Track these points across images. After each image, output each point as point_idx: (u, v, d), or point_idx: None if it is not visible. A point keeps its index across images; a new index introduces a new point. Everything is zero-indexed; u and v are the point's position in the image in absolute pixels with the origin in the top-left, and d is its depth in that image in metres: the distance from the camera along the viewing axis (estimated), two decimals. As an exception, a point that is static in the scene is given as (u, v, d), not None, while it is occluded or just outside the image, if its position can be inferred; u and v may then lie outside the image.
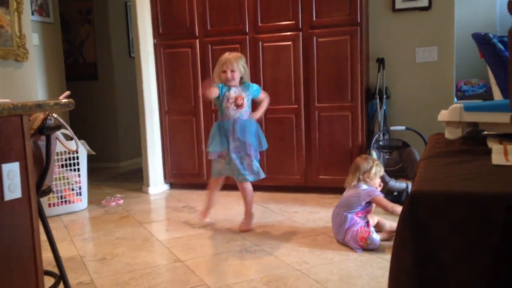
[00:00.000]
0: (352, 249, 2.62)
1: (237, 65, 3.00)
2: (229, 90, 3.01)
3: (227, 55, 3.04)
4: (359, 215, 2.73)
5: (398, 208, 2.68)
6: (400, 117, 4.02)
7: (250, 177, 3.07)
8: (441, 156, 1.24)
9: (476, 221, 0.87)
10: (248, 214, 3.11)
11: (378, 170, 2.81)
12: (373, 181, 2.80)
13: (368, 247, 2.60)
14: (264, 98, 3.18)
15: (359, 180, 2.79)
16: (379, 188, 2.83)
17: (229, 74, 2.98)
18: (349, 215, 2.71)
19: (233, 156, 3.01)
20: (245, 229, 3.05)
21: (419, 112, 3.94)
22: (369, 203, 2.74)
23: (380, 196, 2.71)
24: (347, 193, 2.82)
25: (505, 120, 1.22)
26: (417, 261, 0.90)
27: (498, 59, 1.66)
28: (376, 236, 2.62)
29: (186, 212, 3.54)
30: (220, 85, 3.03)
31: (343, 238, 2.70)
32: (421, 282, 0.90)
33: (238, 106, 3.01)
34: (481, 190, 0.91)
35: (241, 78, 3.04)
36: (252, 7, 3.87)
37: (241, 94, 3.02)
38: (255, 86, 3.13)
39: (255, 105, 3.16)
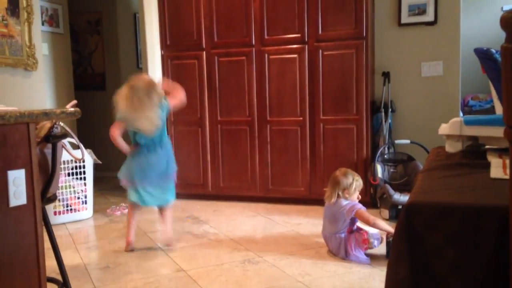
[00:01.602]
0: (356, 262, 2.61)
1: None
2: None
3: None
4: (349, 230, 2.73)
5: (379, 222, 2.67)
6: (405, 131, 4.03)
7: None
8: (440, 169, 1.25)
9: (470, 232, 0.88)
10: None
11: (358, 185, 2.77)
12: (353, 196, 2.76)
13: (373, 245, 2.62)
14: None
15: (338, 196, 2.76)
16: (358, 200, 2.79)
17: None
18: (342, 235, 2.70)
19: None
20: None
21: (424, 126, 3.94)
22: (354, 217, 2.73)
23: (362, 210, 2.69)
24: (328, 211, 2.79)
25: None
26: (412, 271, 0.91)
27: (500, 74, 1.67)
28: (374, 230, 2.64)
29: (190, 222, 3.56)
30: None
31: (344, 255, 2.68)
32: (416, 292, 0.91)
33: None
34: (476, 202, 0.92)
35: None
36: (258, 20, 3.91)
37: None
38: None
39: None
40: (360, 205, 2.72)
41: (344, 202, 2.73)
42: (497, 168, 1.19)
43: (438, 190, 1.03)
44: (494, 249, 0.87)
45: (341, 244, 2.69)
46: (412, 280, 0.92)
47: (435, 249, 0.90)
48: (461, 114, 4.10)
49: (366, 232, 2.67)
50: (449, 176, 1.15)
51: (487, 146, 1.53)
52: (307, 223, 3.44)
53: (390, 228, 2.61)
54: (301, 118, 3.88)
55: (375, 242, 2.63)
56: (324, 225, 2.84)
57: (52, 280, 2.02)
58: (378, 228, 2.68)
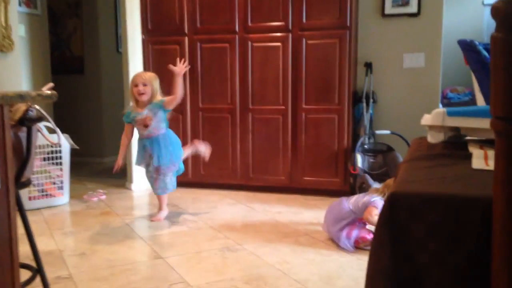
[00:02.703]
0: (334, 249, 2.63)
1: (149, 80, 3.11)
2: (136, 115, 3.15)
3: (139, 72, 3.30)
4: (360, 220, 2.72)
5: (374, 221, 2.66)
6: (385, 122, 4.05)
7: (158, 191, 3.31)
8: (422, 159, 1.25)
9: (452, 223, 0.88)
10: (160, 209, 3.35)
11: None
12: None
13: (364, 247, 2.63)
14: (173, 99, 3.14)
15: (381, 193, 2.71)
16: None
17: (140, 87, 3.09)
18: (353, 216, 2.69)
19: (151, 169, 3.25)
20: (157, 219, 3.27)
21: (404, 117, 3.97)
22: None
23: (376, 207, 2.60)
24: (362, 197, 2.76)
25: (486, 126, 1.23)
26: (394, 261, 0.91)
27: (482, 66, 1.68)
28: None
29: (169, 210, 3.52)
30: (128, 112, 3.22)
31: (336, 231, 2.67)
32: (397, 282, 0.91)
33: (146, 126, 3.15)
34: (459, 192, 0.92)
35: (151, 97, 3.14)
36: (242, 7, 3.86)
37: (148, 115, 3.12)
38: (160, 100, 3.16)
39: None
40: (380, 205, 2.62)
41: (374, 198, 2.68)
42: (478, 159, 1.19)
43: (421, 180, 1.02)
44: (476, 240, 0.87)
45: (344, 220, 2.68)
46: (394, 269, 0.91)
47: (417, 239, 0.90)
48: (440, 106, 4.14)
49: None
50: (431, 166, 1.15)
51: (467, 137, 1.54)
52: (287, 211, 3.44)
53: None
54: (283, 107, 3.86)
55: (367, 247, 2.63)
56: (350, 199, 2.79)
57: (25, 266, 1.97)
58: (371, 224, 2.66)
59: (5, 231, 1.36)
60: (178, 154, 3.27)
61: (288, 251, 2.64)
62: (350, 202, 2.74)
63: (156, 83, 3.17)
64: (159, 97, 3.17)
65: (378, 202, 2.65)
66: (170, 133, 3.27)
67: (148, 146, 3.19)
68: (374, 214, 2.60)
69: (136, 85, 3.11)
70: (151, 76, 3.16)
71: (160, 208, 3.34)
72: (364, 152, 3.84)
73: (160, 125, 3.17)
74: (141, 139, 3.24)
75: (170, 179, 3.27)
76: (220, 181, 4.09)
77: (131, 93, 3.18)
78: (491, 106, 0.78)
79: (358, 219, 2.71)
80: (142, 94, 3.10)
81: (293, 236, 2.90)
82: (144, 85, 3.10)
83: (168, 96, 3.14)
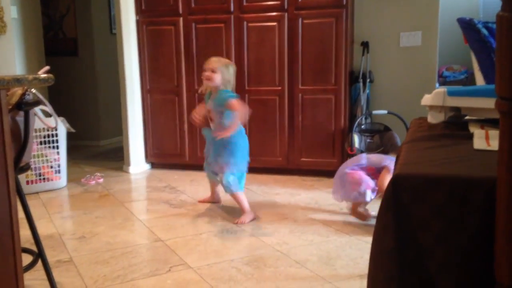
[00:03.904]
0: (333, 230, 2.65)
1: (219, 66, 2.80)
2: (207, 100, 2.92)
3: (213, 57, 2.91)
4: (372, 170, 2.73)
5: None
6: (382, 101, 4.04)
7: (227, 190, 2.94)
8: (424, 140, 1.25)
9: (456, 204, 0.89)
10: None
11: None
12: None
13: (361, 189, 2.66)
14: (234, 108, 2.79)
15: None
16: None
17: (207, 72, 2.80)
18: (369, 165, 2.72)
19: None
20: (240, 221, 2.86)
21: (401, 97, 3.96)
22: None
23: (389, 173, 2.58)
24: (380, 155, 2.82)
25: (487, 105, 1.23)
26: (398, 243, 0.91)
27: (482, 45, 1.67)
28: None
29: (167, 192, 3.53)
30: (208, 93, 2.94)
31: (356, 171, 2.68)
32: (401, 263, 0.92)
33: (211, 120, 2.91)
34: (462, 174, 0.92)
35: (222, 86, 2.83)
36: (237, -14, 3.81)
37: (210, 108, 2.88)
38: (225, 94, 2.81)
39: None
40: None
41: (391, 160, 2.68)
42: (480, 139, 1.19)
43: (424, 161, 1.02)
44: (479, 221, 0.87)
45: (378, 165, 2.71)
46: (398, 251, 0.92)
47: (421, 221, 0.91)
48: (437, 85, 4.13)
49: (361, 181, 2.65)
50: (433, 147, 1.15)
51: (467, 117, 1.54)
52: (284, 192, 3.46)
53: None
54: (279, 88, 3.84)
55: (367, 192, 2.63)
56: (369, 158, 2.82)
57: (26, 250, 1.98)
58: (380, 189, 2.65)
59: (6, 216, 1.36)
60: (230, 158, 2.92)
61: (287, 232, 2.65)
62: (368, 157, 2.78)
63: (228, 72, 2.83)
64: (230, 85, 2.85)
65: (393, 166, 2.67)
66: (235, 139, 2.89)
67: (211, 142, 2.96)
68: (386, 180, 2.60)
69: (204, 70, 2.84)
70: (221, 61, 2.85)
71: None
72: (361, 132, 3.84)
73: (224, 122, 2.84)
74: (206, 129, 2.99)
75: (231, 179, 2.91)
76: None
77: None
78: (496, 87, 0.77)
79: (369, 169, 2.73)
80: (208, 80, 2.81)
81: (291, 218, 2.91)
82: (212, 71, 2.79)
83: (235, 100, 2.79)
